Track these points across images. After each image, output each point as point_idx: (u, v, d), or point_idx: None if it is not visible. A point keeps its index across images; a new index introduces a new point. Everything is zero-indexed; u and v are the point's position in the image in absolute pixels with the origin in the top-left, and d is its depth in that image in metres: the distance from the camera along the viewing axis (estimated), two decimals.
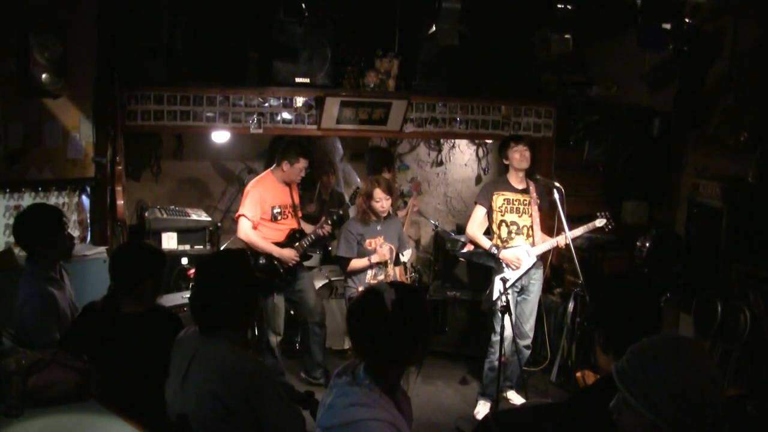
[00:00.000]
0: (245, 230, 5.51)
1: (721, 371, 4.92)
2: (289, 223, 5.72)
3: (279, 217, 5.63)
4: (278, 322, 5.74)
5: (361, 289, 5.32)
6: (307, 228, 5.82)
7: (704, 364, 1.84)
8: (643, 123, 6.43)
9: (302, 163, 5.59)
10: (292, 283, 5.71)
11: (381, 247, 5.38)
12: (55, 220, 3.69)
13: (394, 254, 5.49)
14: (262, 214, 5.54)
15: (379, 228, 5.46)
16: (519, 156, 5.47)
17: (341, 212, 5.81)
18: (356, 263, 5.43)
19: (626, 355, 1.89)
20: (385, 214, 5.42)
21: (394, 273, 5.50)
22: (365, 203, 5.38)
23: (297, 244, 5.65)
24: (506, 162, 5.58)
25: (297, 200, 5.83)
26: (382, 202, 5.33)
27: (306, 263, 6.00)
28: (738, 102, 5.64)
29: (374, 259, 5.37)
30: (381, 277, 5.40)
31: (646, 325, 2.45)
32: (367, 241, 5.42)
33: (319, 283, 6.38)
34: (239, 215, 5.55)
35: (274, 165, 5.72)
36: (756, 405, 4.14)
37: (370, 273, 5.42)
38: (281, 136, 6.56)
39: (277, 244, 5.60)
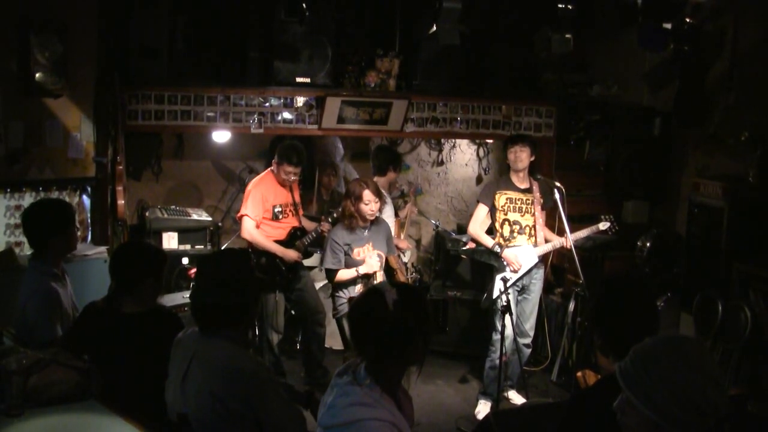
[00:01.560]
0: (249, 229, 5.52)
1: (722, 371, 4.93)
2: (290, 222, 5.72)
3: (280, 216, 5.64)
4: (278, 320, 5.75)
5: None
6: (308, 225, 5.82)
7: (706, 364, 1.84)
8: (644, 123, 6.43)
9: (287, 168, 5.53)
10: (293, 281, 5.71)
11: (370, 258, 5.11)
12: (68, 211, 3.78)
13: (384, 260, 5.27)
14: (263, 213, 5.55)
15: (366, 234, 5.20)
16: (513, 157, 5.46)
17: (341, 209, 5.79)
18: (344, 275, 5.14)
19: (629, 355, 1.90)
20: (372, 218, 5.17)
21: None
22: (353, 206, 5.09)
23: (298, 242, 5.65)
24: (508, 162, 5.59)
25: (298, 198, 5.83)
26: (371, 204, 5.06)
27: (306, 263, 6.00)
28: (738, 102, 5.64)
29: (362, 270, 5.08)
30: None
31: (644, 326, 2.44)
32: (356, 250, 5.15)
33: (319, 284, 6.37)
34: (242, 215, 5.56)
35: (274, 168, 5.72)
36: (756, 404, 4.14)
37: (360, 284, 5.16)
38: (282, 136, 6.57)
39: (279, 242, 5.61)
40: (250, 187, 5.68)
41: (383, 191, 6.32)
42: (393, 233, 6.39)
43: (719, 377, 1.85)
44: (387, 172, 6.48)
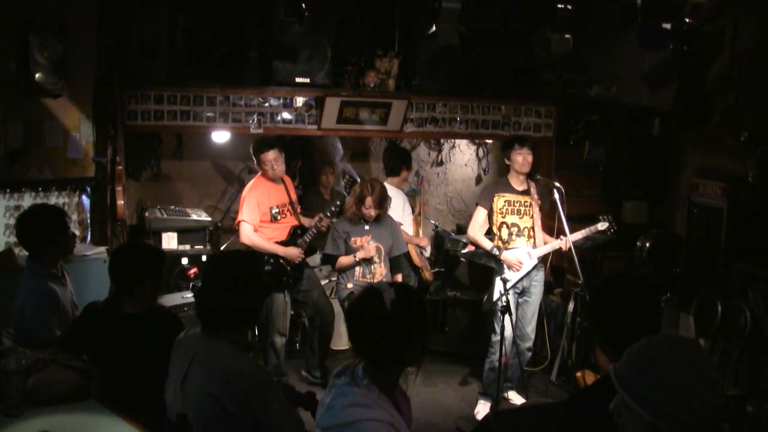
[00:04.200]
0: (248, 234, 5.52)
1: (720, 371, 4.93)
2: (289, 221, 5.73)
3: (278, 217, 5.64)
4: (285, 323, 5.75)
5: (350, 286, 5.38)
6: (308, 223, 5.82)
7: (702, 364, 1.83)
8: (643, 123, 6.43)
9: (268, 155, 5.49)
10: (300, 281, 5.72)
11: (367, 244, 5.35)
12: (59, 219, 3.72)
13: (383, 253, 5.43)
14: (261, 216, 5.55)
15: (367, 227, 5.42)
16: (522, 159, 5.43)
17: (339, 203, 5.79)
18: (343, 260, 5.41)
19: (624, 356, 1.89)
20: (371, 219, 5.37)
21: (387, 272, 5.48)
22: (355, 206, 5.34)
23: (300, 240, 5.66)
24: (508, 162, 5.54)
25: (294, 197, 5.83)
26: (371, 210, 5.30)
27: (307, 262, 5.99)
28: (738, 102, 5.64)
29: (359, 255, 5.32)
30: (369, 276, 5.39)
31: (646, 325, 2.44)
32: (353, 239, 5.39)
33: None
34: (239, 221, 5.55)
35: (260, 172, 5.70)
36: (756, 405, 4.15)
37: (358, 271, 5.41)
38: (281, 137, 6.56)
39: (280, 242, 5.62)
40: (244, 193, 5.67)
41: (396, 189, 6.35)
42: (411, 231, 6.45)
43: (716, 378, 1.84)
44: (401, 172, 6.51)
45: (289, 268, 5.62)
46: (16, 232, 3.76)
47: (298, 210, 5.89)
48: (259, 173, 5.72)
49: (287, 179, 5.85)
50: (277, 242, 5.61)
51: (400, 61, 6.43)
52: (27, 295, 3.55)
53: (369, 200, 5.26)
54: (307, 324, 6.16)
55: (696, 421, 1.78)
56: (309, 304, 5.85)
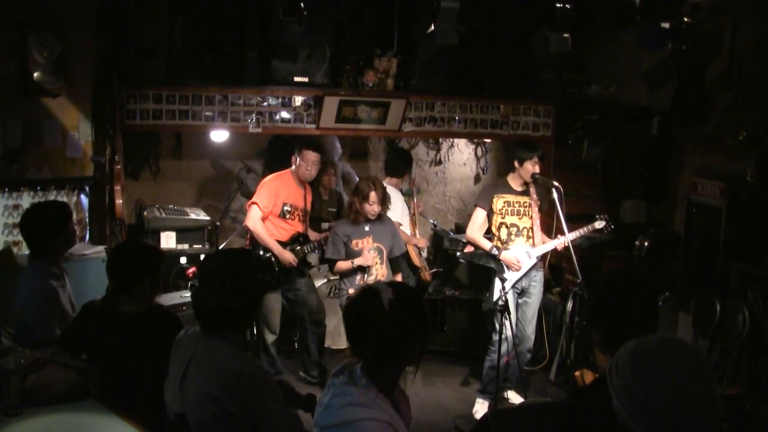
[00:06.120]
0: (254, 218, 5.53)
1: (717, 372, 4.93)
2: (296, 225, 5.72)
3: (287, 216, 5.64)
4: (274, 320, 5.75)
5: (351, 291, 5.32)
6: (313, 237, 5.82)
7: (691, 370, 1.77)
8: (642, 122, 6.43)
9: (311, 155, 5.59)
10: (284, 283, 5.71)
11: (369, 252, 5.30)
12: (66, 210, 3.86)
13: (384, 254, 5.40)
14: (273, 207, 5.56)
15: (367, 228, 5.36)
16: (531, 167, 5.36)
17: (347, 204, 5.79)
18: (341, 265, 5.36)
19: (613, 359, 1.87)
20: (374, 217, 5.31)
21: (388, 272, 5.48)
22: (359, 204, 5.28)
23: (299, 248, 5.66)
24: (516, 166, 5.45)
25: (309, 206, 5.84)
26: (374, 206, 5.24)
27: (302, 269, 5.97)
28: (737, 101, 5.65)
29: (357, 262, 5.28)
30: (370, 280, 5.38)
31: (643, 324, 2.44)
32: (354, 241, 5.33)
33: (318, 283, 6.38)
34: (252, 202, 5.57)
35: (293, 166, 5.73)
36: (755, 404, 4.15)
37: (359, 275, 5.36)
38: (280, 136, 6.56)
39: (280, 243, 5.61)
40: (266, 179, 5.71)
41: (395, 190, 6.36)
42: (409, 231, 6.46)
43: (699, 391, 1.75)
44: (404, 174, 6.50)
45: (276, 268, 5.61)
46: (23, 231, 3.75)
47: (307, 222, 5.89)
48: (289, 170, 5.72)
49: (309, 190, 5.86)
50: (277, 241, 5.61)
51: (399, 60, 6.43)
52: (29, 294, 3.56)
53: (373, 195, 5.21)
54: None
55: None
56: (300, 303, 5.84)
